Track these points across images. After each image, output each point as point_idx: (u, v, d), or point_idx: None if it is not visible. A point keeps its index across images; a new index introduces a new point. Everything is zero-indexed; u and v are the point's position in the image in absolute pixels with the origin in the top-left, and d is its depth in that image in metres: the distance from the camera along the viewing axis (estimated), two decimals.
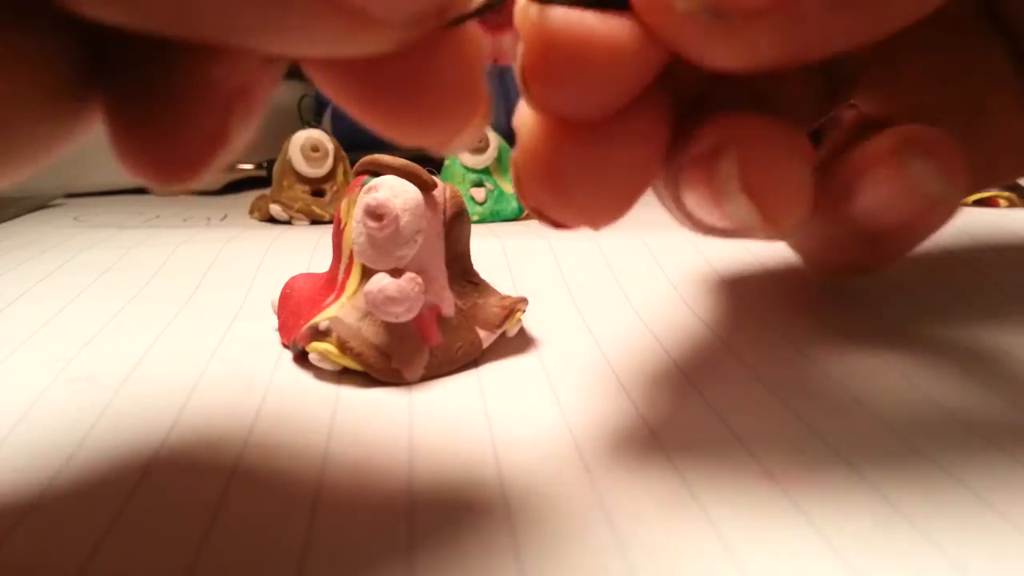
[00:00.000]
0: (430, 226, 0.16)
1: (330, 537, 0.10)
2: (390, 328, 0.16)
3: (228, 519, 0.11)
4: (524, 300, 0.18)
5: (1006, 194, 0.34)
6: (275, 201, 0.34)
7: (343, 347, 0.15)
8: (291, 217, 0.33)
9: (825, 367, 0.16)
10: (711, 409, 0.14)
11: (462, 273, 0.17)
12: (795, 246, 0.18)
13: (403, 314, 0.15)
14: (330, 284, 0.17)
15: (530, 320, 0.20)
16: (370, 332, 0.15)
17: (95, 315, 0.20)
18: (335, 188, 0.34)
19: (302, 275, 0.18)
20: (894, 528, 0.10)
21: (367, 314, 0.16)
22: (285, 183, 0.34)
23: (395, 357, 0.15)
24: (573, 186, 0.12)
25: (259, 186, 0.42)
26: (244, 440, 0.13)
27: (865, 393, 0.15)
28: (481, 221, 0.33)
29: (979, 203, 0.33)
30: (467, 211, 0.17)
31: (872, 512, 0.11)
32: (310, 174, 0.34)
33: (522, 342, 0.18)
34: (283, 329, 0.17)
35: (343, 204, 0.17)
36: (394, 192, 0.15)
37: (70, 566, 0.10)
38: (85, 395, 0.15)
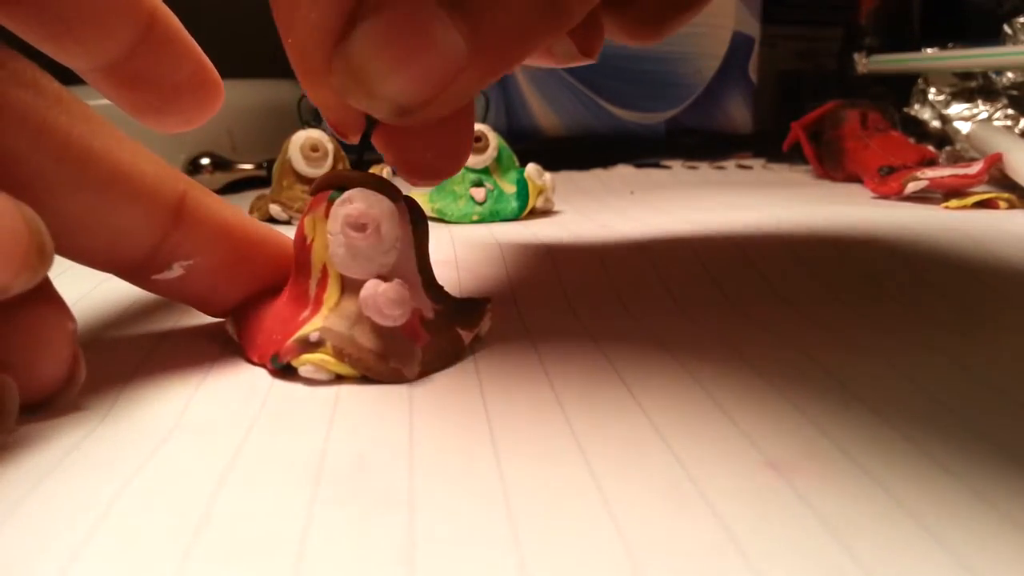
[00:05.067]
0: (403, 234, 0.16)
1: (328, 532, 0.10)
2: (381, 333, 0.16)
3: (225, 513, 0.11)
4: (489, 299, 0.19)
5: (1006, 195, 0.34)
6: (275, 201, 0.34)
7: (340, 355, 0.15)
8: (291, 217, 0.33)
9: (825, 365, 0.16)
10: (713, 401, 0.14)
11: (429, 279, 0.18)
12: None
13: (400, 317, 0.16)
14: (299, 301, 0.17)
15: (528, 320, 0.20)
16: (364, 338, 0.16)
17: (93, 317, 0.20)
18: None
19: (257, 302, 0.18)
20: (895, 519, 0.11)
21: (357, 322, 0.16)
22: (285, 183, 0.34)
23: (392, 358, 0.16)
24: None
25: (259, 186, 0.42)
26: (243, 435, 0.13)
27: (865, 389, 0.15)
28: (481, 221, 0.33)
29: (979, 205, 0.33)
30: (426, 219, 0.18)
31: (873, 504, 0.11)
32: (310, 174, 0.34)
33: (521, 343, 0.18)
34: (252, 348, 0.17)
35: (306, 221, 0.17)
36: (369, 202, 0.16)
37: (58, 558, 0.10)
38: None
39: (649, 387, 0.15)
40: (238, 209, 0.17)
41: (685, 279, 0.23)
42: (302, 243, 0.17)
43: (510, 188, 0.34)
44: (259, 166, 0.43)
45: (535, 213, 0.34)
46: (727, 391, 0.15)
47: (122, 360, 0.17)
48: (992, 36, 0.48)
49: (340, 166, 0.34)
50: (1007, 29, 0.47)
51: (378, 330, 0.16)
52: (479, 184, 0.34)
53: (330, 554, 0.10)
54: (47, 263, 0.12)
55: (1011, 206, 0.33)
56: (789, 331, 0.19)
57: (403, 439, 0.13)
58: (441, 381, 0.16)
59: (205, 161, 0.42)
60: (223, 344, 0.18)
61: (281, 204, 0.33)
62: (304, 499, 0.11)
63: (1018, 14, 0.47)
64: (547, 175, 0.35)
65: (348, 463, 0.13)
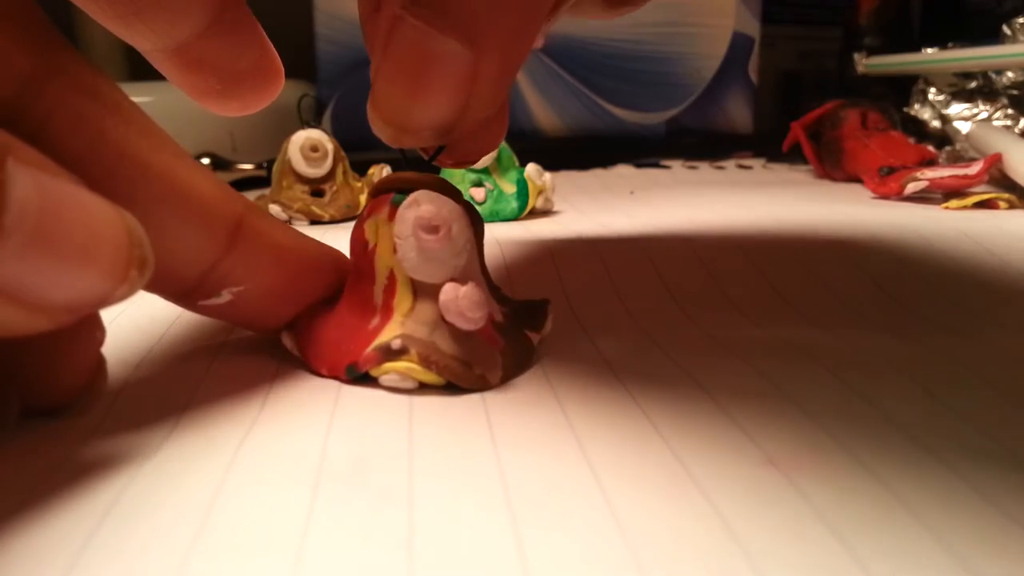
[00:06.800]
0: (470, 236, 0.16)
1: (329, 525, 0.10)
2: (461, 338, 0.15)
3: (227, 508, 0.11)
4: (548, 301, 0.18)
5: (1006, 196, 0.34)
6: (274, 201, 0.34)
7: (426, 362, 0.15)
8: (290, 217, 0.33)
9: (825, 363, 0.16)
10: (712, 399, 0.14)
11: (490, 281, 0.17)
12: None
13: (480, 319, 0.15)
14: (364, 309, 0.16)
15: None
16: (445, 344, 0.15)
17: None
18: (334, 188, 0.34)
19: (316, 312, 0.17)
20: (895, 516, 0.11)
21: (435, 327, 0.15)
22: (284, 183, 0.34)
23: (475, 364, 0.15)
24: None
25: (259, 186, 0.42)
26: (244, 434, 0.13)
27: (865, 385, 0.15)
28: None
29: (979, 205, 0.33)
30: (483, 221, 0.17)
31: (872, 498, 0.11)
32: (309, 174, 0.34)
33: None
34: (319, 360, 0.16)
35: (367, 225, 0.16)
36: (439, 204, 0.15)
37: (60, 558, 0.10)
38: None
39: (647, 385, 0.15)
40: (292, 230, 0.17)
41: (685, 278, 0.23)
42: (363, 249, 0.16)
43: (510, 188, 0.34)
44: (259, 166, 0.43)
45: (535, 213, 0.34)
46: (726, 388, 0.15)
47: (120, 364, 0.17)
48: (992, 36, 0.48)
49: (339, 166, 0.34)
50: (1006, 30, 0.47)
51: (458, 335, 0.15)
52: (479, 184, 0.34)
53: (331, 546, 0.10)
54: (146, 276, 0.11)
55: (1011, 206, 0.33)
56: (789, 329, 0.19)
57: (403, 436, 0.13)
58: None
59: (205, 161, 0.42)
60: (221, 345, 0.18)
61: (281, 204, 0.33)
62: (305, 495, 0.11)
63: (1018, 14, 0.47)
64: (547, 175, 0.35)
65: (348, 460, 0.13)
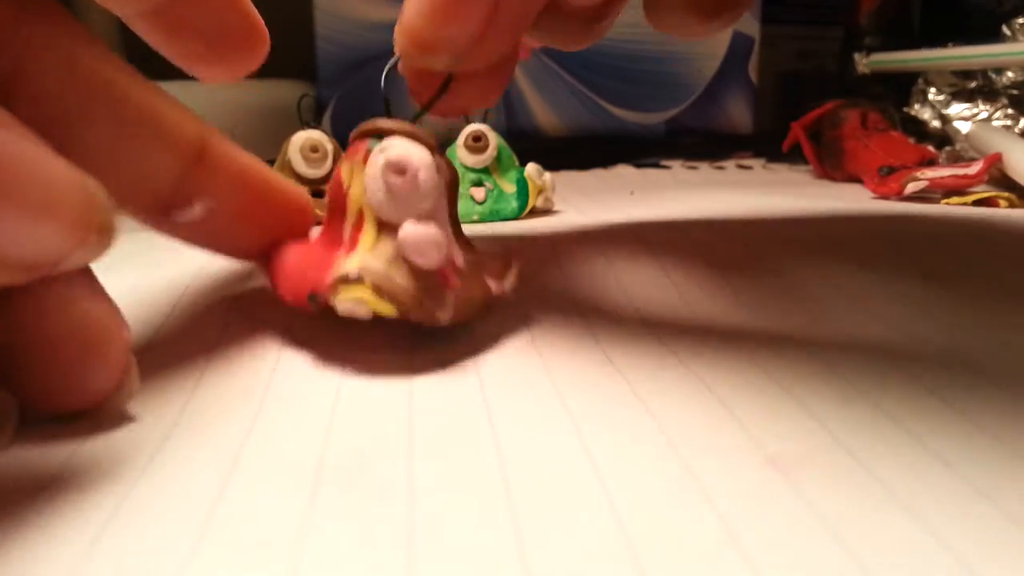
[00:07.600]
0: (438, 184, 0.17)
1: (329, 522, 0.10)
2: (416, 274, 0.16)
3: (228, 507, 0.11)
4: (513, 257, 0.20)
5: (1006, 194, 0.34)
6: None
7: (379, 291, 0.16)
8: None
9: (826, 359, 0.16)
10: (714, 396, 0.14)
11: (459, 231, 0.19)
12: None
13: (435, 258, 0.16)
14: (333, 243, 0.17)
15: (530, 319, 0.20)
16: (401, 278, 0.16)
17: None
18: None
19: (288, 245, 0.18)
20: (895, 516, 0.11)
21: (393, 261, 0.16)
22: None
23: (426, 299, 0.16)
24: None
25: None
26: (244, 432, 0.13)
27: (865, 383, 0.15)
28: (481, 220, 0.33)
29: (979, 203, 0.34)
30: (459, 177, 0.18)
31: (873, 500, 0.11)
32: (309, 175, 0.34)
33: (522, 340, 0.18)
34: (285, 287, 0.17)
35: (343, 168, 0.17)
36: (407, 148, 0.16)
37: (63, 560, 0.10)
38: None
39: (650, 382, 0.15)
40: (253, 157, 0.18)
41: (685, 276, 0.23)
42: (339, 189, 0.17)
43: (510, 188, 0.34)
44: None
45: (535, 213, 0.34)
46: (728, 386, 0.15)
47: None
48: (992, 36, 0.48)
49: None
50: (1006, 30, 0.47)
51: (414, 272, 0.16)
52: (479, 184, 0.34)
53: (331, 540, 0.10)
54: (107, 243, 0.12)
55: (1011, 204, 0.33)
56: (790, 327, 0.19)
57: (403, 432, 0.13)
58: (441, 379, 0.16)
59: None
60: (219, 342, 0.18)
61: None
62: (305, 490, 0.11)
63: (1018, 14, 0.47)
64: (547, 175, 0.35)
65: (348, 453, 0.13)
